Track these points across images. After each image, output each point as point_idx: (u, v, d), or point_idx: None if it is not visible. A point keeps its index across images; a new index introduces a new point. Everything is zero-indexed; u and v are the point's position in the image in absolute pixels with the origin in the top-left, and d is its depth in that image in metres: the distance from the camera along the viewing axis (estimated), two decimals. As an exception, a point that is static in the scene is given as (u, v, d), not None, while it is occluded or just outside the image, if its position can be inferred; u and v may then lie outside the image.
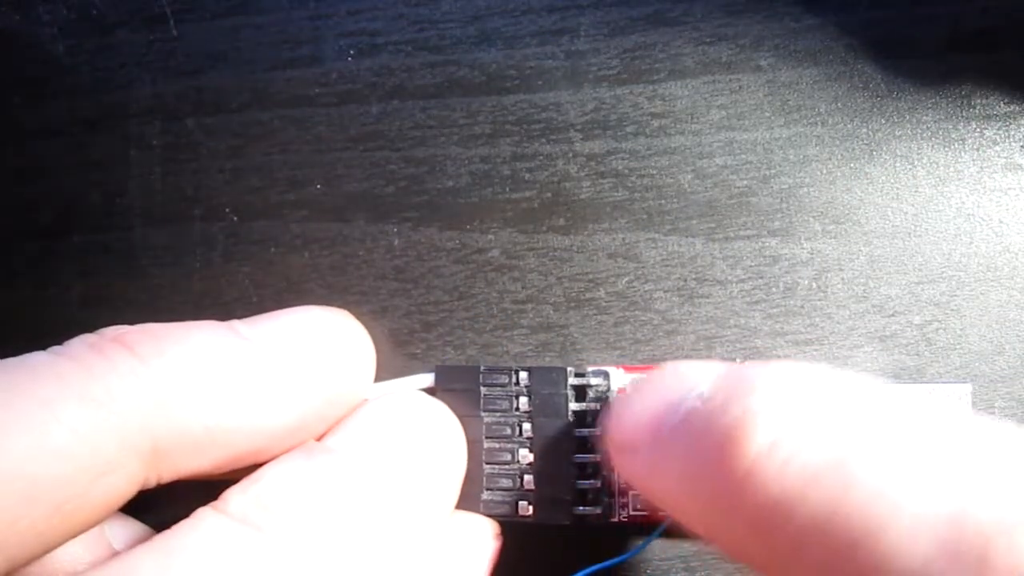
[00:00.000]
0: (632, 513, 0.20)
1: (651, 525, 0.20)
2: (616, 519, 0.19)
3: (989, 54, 0.21)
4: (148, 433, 0.15)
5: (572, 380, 0.19)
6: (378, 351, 0.21)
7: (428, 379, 0.20)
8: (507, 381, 0.19)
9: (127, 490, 0.15)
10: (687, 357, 0.21)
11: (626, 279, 0.21)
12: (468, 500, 0.19)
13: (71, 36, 0.21)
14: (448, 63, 0.21)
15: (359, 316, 0.21)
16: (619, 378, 0.20)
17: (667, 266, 0.21)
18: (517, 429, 0.19)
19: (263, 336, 0.17)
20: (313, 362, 0.17)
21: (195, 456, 0.15)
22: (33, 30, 0.21)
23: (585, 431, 0.19)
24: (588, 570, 0.19)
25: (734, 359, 0.21)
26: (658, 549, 0.20)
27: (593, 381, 0.19)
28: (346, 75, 0.21)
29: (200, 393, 0.15)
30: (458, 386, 0.19)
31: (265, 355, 0.16)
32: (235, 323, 0.17)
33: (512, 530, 0.20)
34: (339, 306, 0.21)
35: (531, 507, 0.19)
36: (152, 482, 0.15)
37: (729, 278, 0.21)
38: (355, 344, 0.18)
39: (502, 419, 0.19)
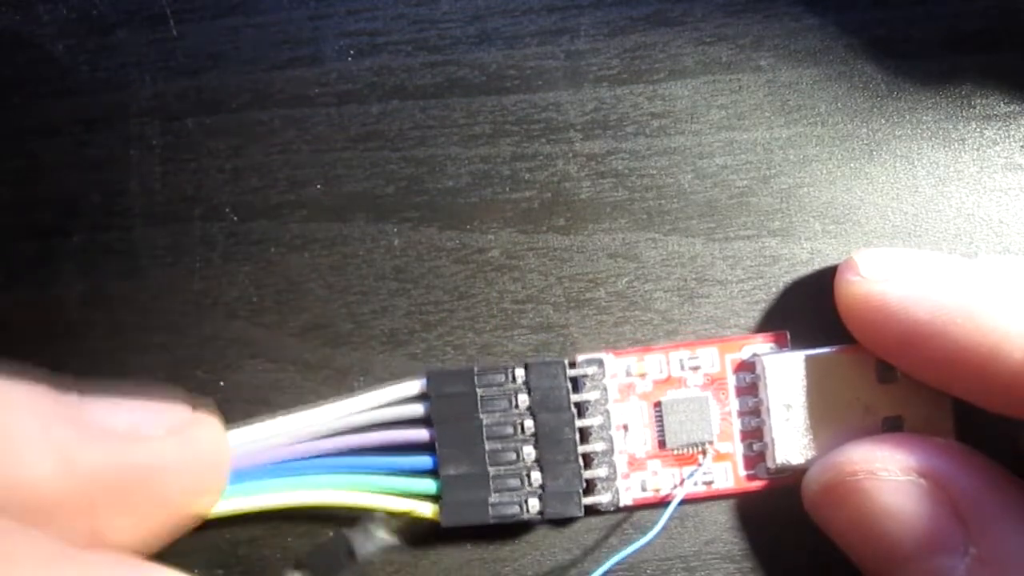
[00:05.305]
0: (637, 497, 0.20)
1: (655, 505, 0.20)
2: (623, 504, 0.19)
3: (989, 54, 0.21)
4: None
5: (569, 372, 0.19)
6: (378, 351, 0.21)
7: (418, 385, 0.20)
8: (504, 380, 0.19)
9: None
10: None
11: (626, 279, 0.21)
12: (475, 507, 0.19)
13: (71, 36, 0.21)
14: (448, 63, 0.21)
15: (359, 316, 0.21)
16: (612, 364, 0.20)
17: (667, 266, 0.21)
18: (519, 427, 0.19)
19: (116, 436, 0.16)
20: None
21: None
22: (33, 30, 0.21)
23: (588, 421, 0.19)
24: (610, 563, 0.18)
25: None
26: (658, 549, 0.20)
27: (589, 371, 0.19)
28: (346, 75, 0.21)
29: None
30: (453, 390, 0.19)
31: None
32: (89, 408, 0.16)
33: (520, 527, 0.20)
34: (339, 306, 0.21)
35: (541, 504, 0.19)
36: None
37: (729, 278, 0.21)
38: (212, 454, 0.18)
39: (502, 419, 0.19)
